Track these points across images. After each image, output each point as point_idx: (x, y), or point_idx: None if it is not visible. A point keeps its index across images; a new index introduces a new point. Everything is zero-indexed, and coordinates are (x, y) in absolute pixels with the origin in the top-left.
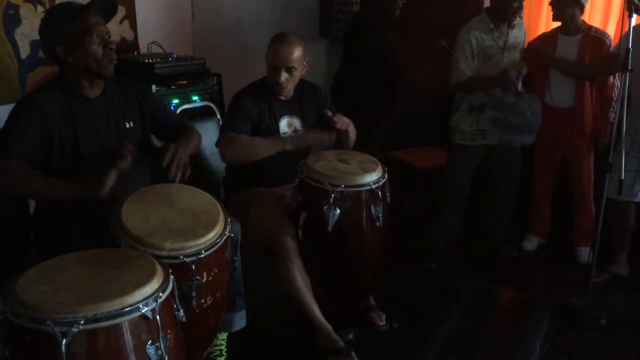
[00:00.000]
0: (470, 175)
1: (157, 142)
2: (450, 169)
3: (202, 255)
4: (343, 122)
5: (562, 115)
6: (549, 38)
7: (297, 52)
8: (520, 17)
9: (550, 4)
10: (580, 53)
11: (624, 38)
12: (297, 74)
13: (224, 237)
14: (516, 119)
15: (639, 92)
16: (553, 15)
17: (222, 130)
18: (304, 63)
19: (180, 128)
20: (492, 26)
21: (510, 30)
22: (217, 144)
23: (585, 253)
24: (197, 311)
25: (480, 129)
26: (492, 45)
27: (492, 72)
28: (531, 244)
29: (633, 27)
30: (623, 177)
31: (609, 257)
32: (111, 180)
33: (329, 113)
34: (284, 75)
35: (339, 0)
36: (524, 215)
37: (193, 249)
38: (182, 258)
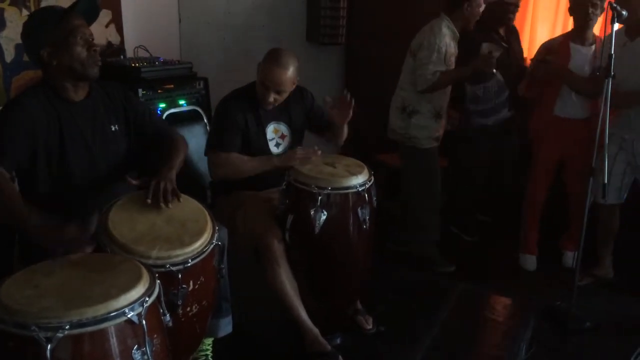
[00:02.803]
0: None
1: (132, 182)
2: (421, 177)
3: (189, 264)
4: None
5: (574, 125)
6: (560, 45)
7: (288, 75)
8: None
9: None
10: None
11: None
12: (286, 94)
13: (212, 246)
14: (490, 103)
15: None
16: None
17: (212, 145)
18: (294, 82)
19: (165, 140)
20: (457, 35)
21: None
22: (208, 161)
23: (571, 257)
24: (183, 319)
25: (438, 134)
26: (454, 53)
27: None
28: (532, 263)
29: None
30: (607, 181)
31: (594, 260)
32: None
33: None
34: (273, 96)
35: (326, 6)
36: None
37: (180, 258)
38: (169, 266)
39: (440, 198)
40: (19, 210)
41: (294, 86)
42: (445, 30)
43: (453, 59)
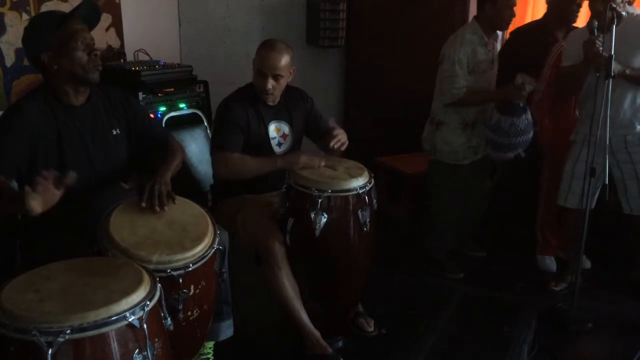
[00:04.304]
0: (463, 193)
1: (125, 186)
2: (442, 191)
3: (190, 269)
4: (340, 141)
5: None
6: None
7: (284, 60)
8: None
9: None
10: None
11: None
12: (284, 82)
13: (213, 250)
14: (511, 139)
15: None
16: None
17: (216, 146)
18: (291, 71)
19: (162, 146)
20: (485, 39)
21: (495, 43)
22: (212, 160)
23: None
24: (184, 324)
25: (471, 145)
26: (484, 60)
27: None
28: (552, 263)
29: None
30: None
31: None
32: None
33: (331, 125)
34: (271, 82)
35: (325, 8)
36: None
37: (181, 262)
38: (170, 271)
39: (461, 212)
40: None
41: (291, 76)
42: (468, 37)
43: (483, 65)
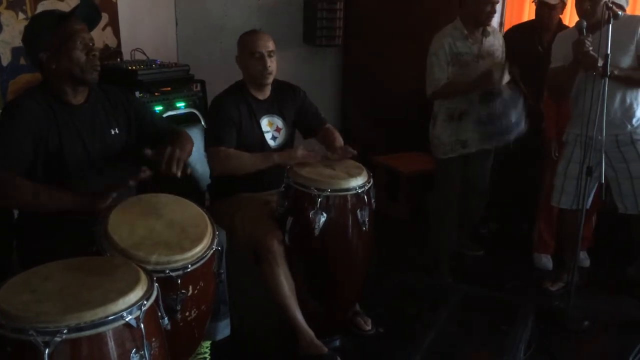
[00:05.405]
0: (457, 187)
1: (150, 153)
2: (436, 185)
3: (189, 269)
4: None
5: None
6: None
7: (271, 40)
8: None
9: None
10: None
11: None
12: (275, 60)
13: (212, 251)
14: (496, 126)
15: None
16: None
17: (210, 141)
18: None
19: (172, 132)
20: (465, 32)
21: (484, 38)
22: (207, 156)
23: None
24: (182, 324)
25: (459, 139)
26: (467, 52)
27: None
28: (548, 262)
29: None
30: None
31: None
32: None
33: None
34: (269, 61)
35: (322, 7)
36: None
37: (179, 263)
38: (168, 272)
39: (454, 211)
40: (58, 199)
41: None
42: (448, 32)
43: (465, 57)
